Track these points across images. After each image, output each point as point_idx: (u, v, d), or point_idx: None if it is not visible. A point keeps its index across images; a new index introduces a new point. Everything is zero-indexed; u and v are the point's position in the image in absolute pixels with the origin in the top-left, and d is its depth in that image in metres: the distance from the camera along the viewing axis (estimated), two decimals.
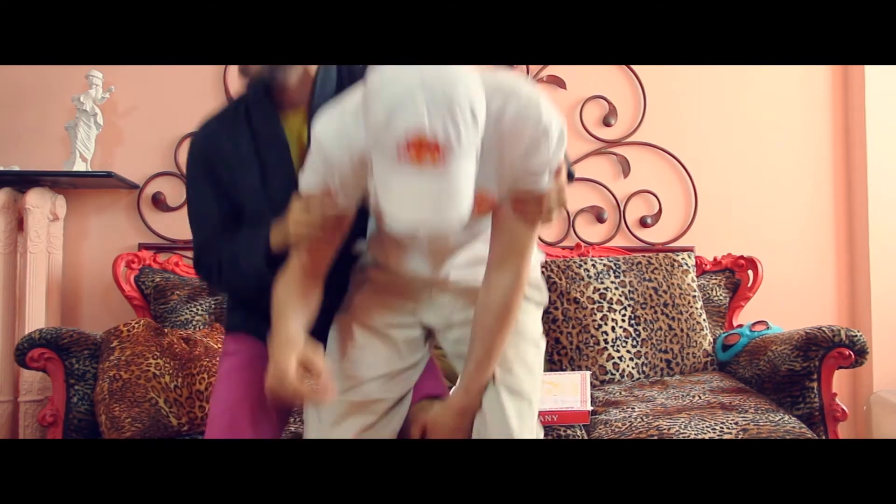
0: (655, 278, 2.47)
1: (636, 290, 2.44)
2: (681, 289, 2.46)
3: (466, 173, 1.00)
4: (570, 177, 1.29)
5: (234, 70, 2.74)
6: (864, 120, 2.73)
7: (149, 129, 2.74)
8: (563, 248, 2.77)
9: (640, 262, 2.51)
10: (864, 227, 2.74)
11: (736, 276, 2.64)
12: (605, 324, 2.38)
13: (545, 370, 2.38)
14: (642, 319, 2.40)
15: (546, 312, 2.45)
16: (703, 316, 2.46)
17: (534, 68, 2.82)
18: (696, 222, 2.81)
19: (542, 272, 2.49)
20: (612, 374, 2.33)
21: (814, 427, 1.97)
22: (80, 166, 2.56)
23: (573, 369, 2.35)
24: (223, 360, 1.54)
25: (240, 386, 1.44)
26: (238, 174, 1.42)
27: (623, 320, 2.39)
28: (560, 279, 2.46)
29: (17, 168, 2.56)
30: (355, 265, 1.45)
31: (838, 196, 2.85)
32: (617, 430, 1.85)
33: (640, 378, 2.35)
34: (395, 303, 1.40)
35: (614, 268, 2.48)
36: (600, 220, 2.80)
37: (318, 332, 1.35)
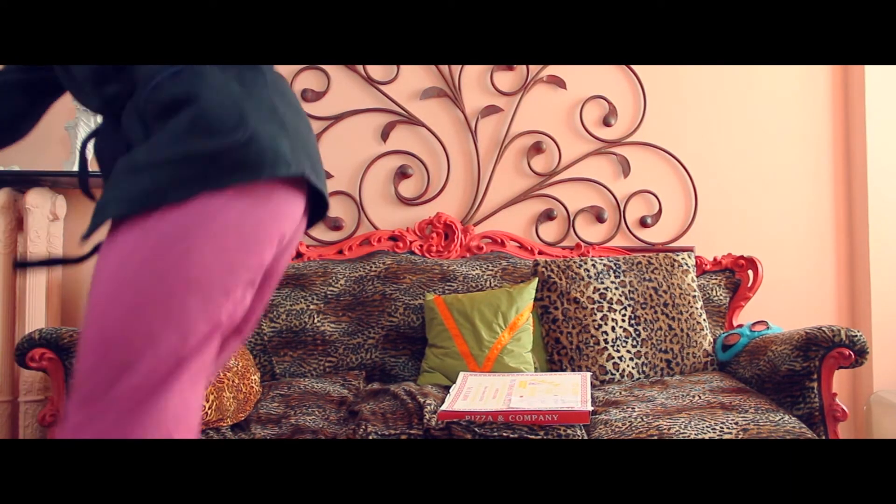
0: (655, 278, 2.47)
1: (636, 290, 2.44)
2: (681, 289, 2.46)
3: None
4: None
5: None
6: (864, 120, 2.73)
7: None
8: (563, 248, 2.77)
9: (640, 262, 2.51)
10: (864, 227, 2.74)
11: (736, 276, 2.64)
12: (605, 324, 2.38)
13: (545, 370, 2.40)
14: (642, 319, 2.40)
15: (546, 312, 2.45)
16: (703, 316, 2.47)
17: (534, 68, 2.82)
18: (696, 222, 2.82)
19: (542, 272, 2.50)
20: (612, 374, 2.33)
21: (814, 427, 1.97)
22: None
23: (573, 369, 2.35)
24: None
25: None
26: None
27: (623, 320, 2.39)
28: (560, 279, 2.46)
29: (17, 168, 2.56)
30: None
31: (838, 196, 2.85)
32: (617, 430, 1.85)
33: (640, 378, 2.34)
34: None
35: (614, 268, 2.48)
36: (600, 220, 2.80)
37: None
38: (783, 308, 2.74)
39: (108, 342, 0.82)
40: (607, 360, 2.34)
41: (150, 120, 0.87)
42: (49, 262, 1.52)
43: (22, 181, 2.50)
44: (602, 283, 2.44)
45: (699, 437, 1.73)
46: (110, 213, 0.84)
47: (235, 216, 0.86)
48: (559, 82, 2.82)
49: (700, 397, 2.02)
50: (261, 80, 0.94)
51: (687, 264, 2.52)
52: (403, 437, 1.86)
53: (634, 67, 2.83)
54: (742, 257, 2.64)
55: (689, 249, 2.69)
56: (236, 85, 0.91)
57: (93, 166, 1.03)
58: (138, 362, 0.81)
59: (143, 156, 0.84)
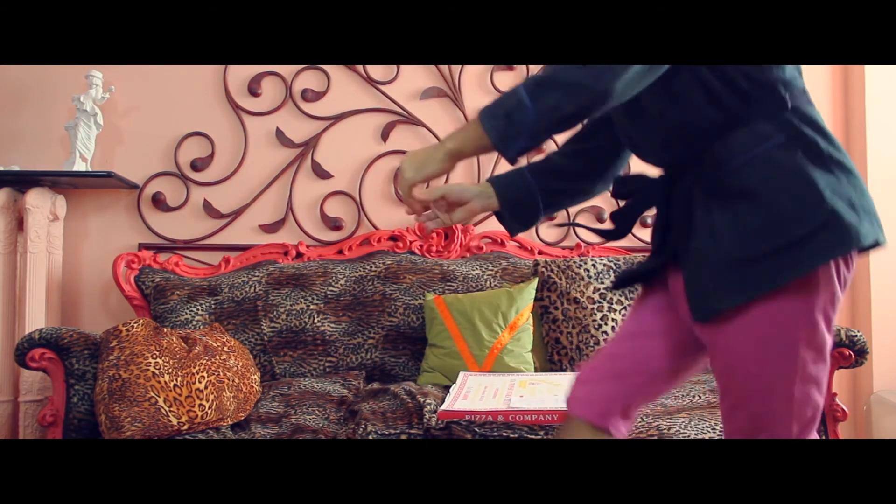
0: None
1: (636, 289, 2.44)
2: None
3: None
4: None
5: (234, 70, 2.75)
6: (864, 120, 2.73)
7: (149, 129, 2.74)
8: (563, 248, 2.77)
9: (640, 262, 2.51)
10: None
11: None
12: (605, 324, 2.38)
13: (545, 370, 2.40)
14: None
15: (546, 312, 2.45)
16: None
17: (534, 68, 2.82)
18: None
19: (542, 272, 2.50)
20: None
21: None
22: (80, 166, 2.56)
23: (573, 369, 2.35)
24: None
25: None
26: None
27: (623, 320, 2.39)
28: (560, 279, 2.46)
29: (17, 168, 2.56)
30: None
31: None
32: None
33: None
34: None
35: (614, 268, 2.48)
36: (600, 220, 2.79)
37: None
38: None
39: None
40: None
41: (715, 199, 1.08)
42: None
43: (22, 181, 2.50)
44: (602, 282, 2.44)
45: (699, 437, 1.73)
46: (728, 303, 1.05)
47: (829, 287, 1.05)
48: None
49: (700, 397, 2.02)
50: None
51: None
52: (403, 436, 1.86)
53: None
54: None
55: None
56: (806, 164, 1.02)
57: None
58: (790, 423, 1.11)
59: (736, 251, 1.04)
